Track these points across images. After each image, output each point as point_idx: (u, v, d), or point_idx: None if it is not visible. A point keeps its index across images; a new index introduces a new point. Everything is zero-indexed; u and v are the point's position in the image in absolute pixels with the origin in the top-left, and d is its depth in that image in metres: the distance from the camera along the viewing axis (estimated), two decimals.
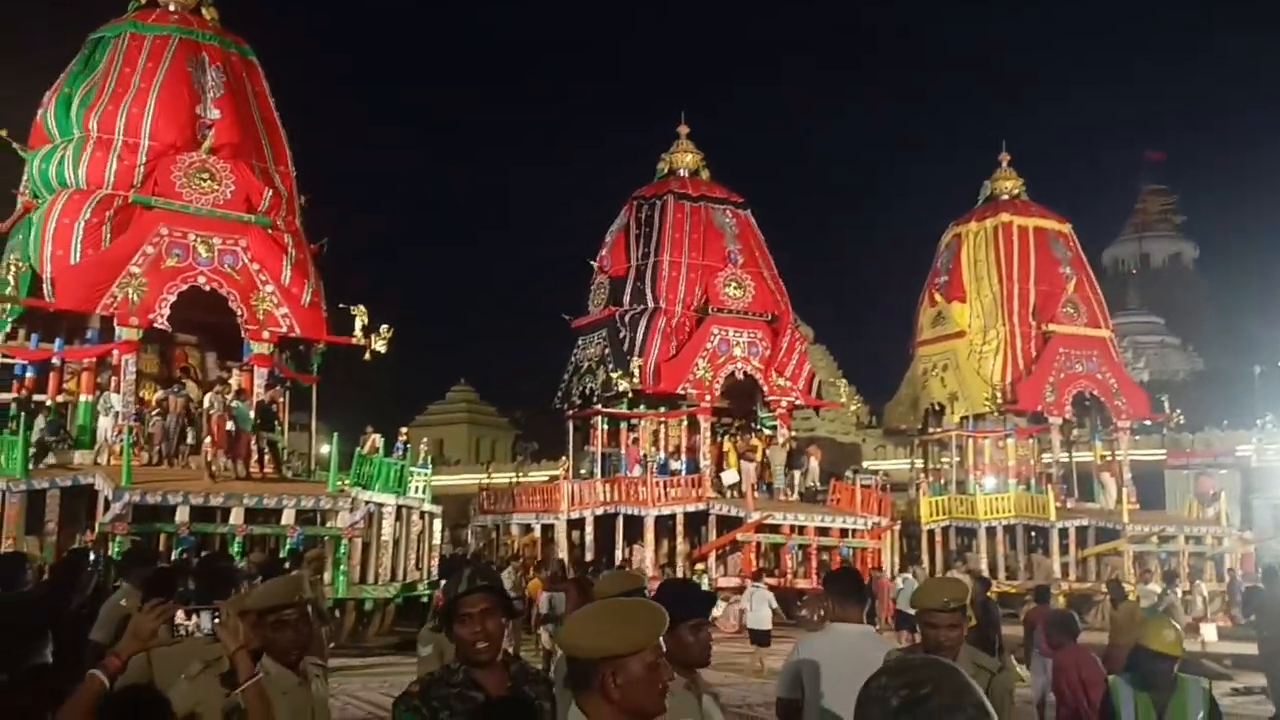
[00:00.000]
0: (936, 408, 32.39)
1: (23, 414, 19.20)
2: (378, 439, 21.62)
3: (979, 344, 30.98)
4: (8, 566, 6.46)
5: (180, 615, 2.96)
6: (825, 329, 53.41)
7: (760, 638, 16.36)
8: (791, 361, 29.05)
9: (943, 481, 31.60)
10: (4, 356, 20.31)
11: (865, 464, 43.96)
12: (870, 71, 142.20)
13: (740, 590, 22.84)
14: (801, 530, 25.52)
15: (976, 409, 30.70)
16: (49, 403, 20.10)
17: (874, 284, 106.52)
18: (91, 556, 10.79)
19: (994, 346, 30.70)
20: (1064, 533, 27.51)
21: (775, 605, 17.61)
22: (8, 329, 20.05)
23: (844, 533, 26.11)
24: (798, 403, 29.55)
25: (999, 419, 30.45)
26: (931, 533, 28.86)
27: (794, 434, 30.29)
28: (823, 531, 25.75)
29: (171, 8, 22.95)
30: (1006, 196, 32.95)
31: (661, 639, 2.45)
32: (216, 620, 3.00)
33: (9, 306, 19.39)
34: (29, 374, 20.21)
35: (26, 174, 21.51)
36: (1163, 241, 76.54)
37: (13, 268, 19.52)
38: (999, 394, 30.07)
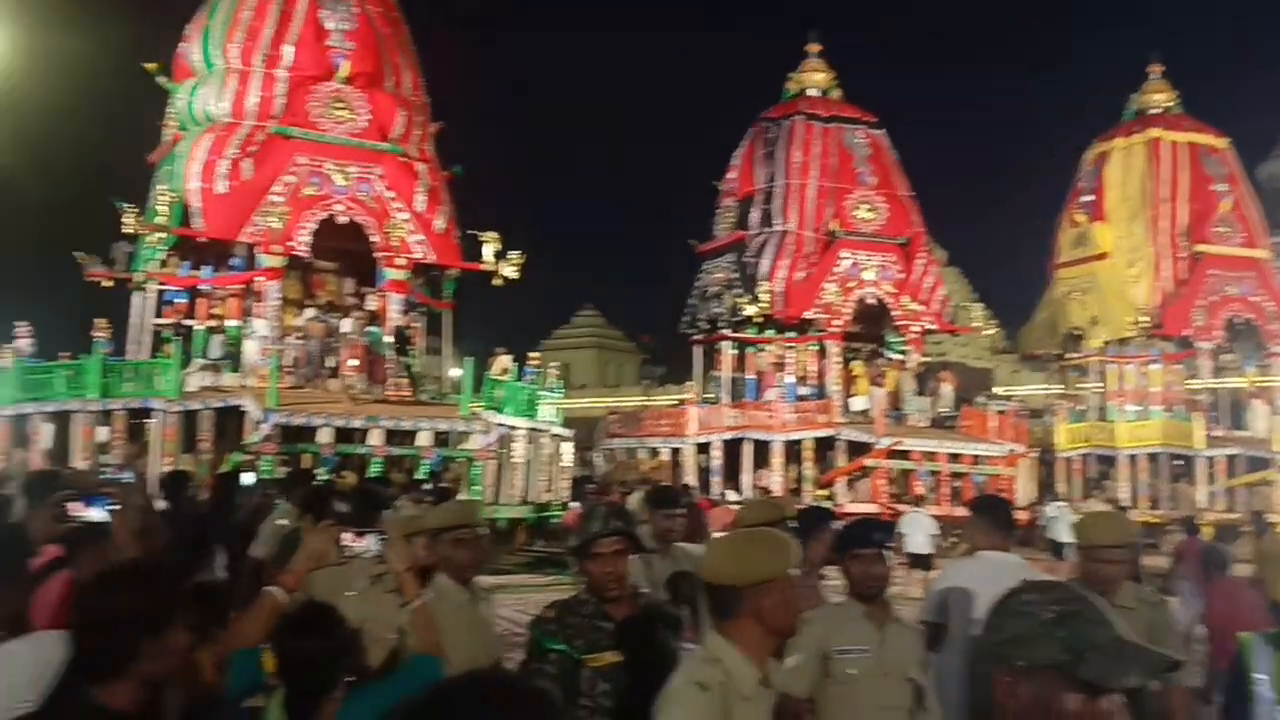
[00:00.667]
0: (1076, 332, 31.32)
1: (178, 338, 20.13)
2: (507, 361, 21.98)
3: (1123, 266, 29.73)
4: (173, 483, 6.79)
5: (348, 537, 3.02)
6: (960, 251, 52.04)
7: (920, 562, 16.35)
8: (925, 285, 28.36)
9: (1081, 408, 30.66)
10: (158, 284, 21.24)
11: (999, 390, 43.00)
12: None
13: (877, 517, 22.92)
14: (932, 457, 25.12)
15: (1119, 333, 29.58)
16: (199, 327, 21.03)
17: (1012, 204, 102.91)
18: (251, 477, 11.28)
19: (1140, 268, 29.43)
20: (1211, 461, 26.48)
21: (935, 531, 17.56)
22: (161, 257, 20.91)
23: (976, 459, 25.61)
24: (930, 327, 28.89)
25: (1144, 343, 29.28)
26: (1069, 460, 28.10)
27: (925, 359, 29.71)
28: (954, 458, 25.30)
29: None
30: (1157, 110, 31.27)
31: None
32: (383, 540, 3.08)
33: (162, 236, 20.18)
34: (181, 300, 21.15)
35: (172, 106, 22.24)
36: None
37: (164, 198, 20.29)
38: (1145, 318, 28.88)
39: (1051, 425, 29.18)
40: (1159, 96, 31.43)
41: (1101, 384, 30.41)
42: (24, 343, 19.93)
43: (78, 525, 3.42)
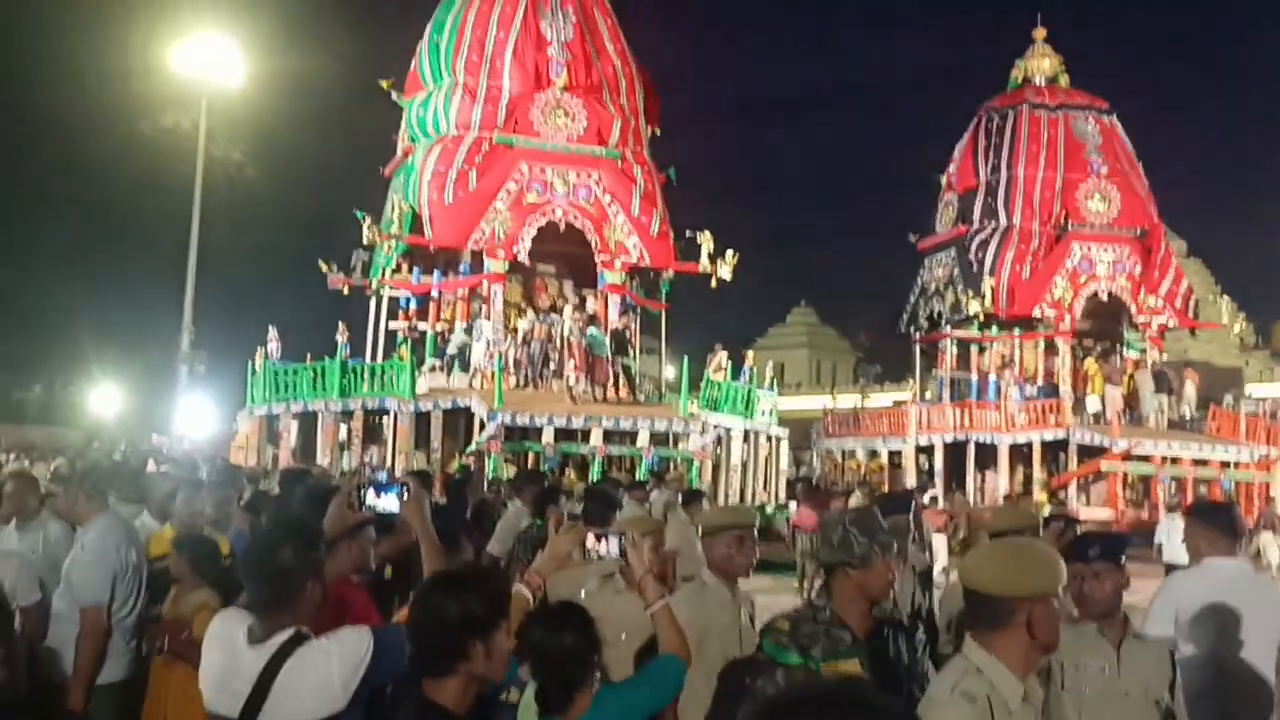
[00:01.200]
0: None
1: (411, 341, 21.21)
2: (724, 358, 22.02)
3: None
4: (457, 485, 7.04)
5: (590, 539, 3.06)
6: (1203, 242, 48.67)
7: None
8: (1165, 279, 26.67)
9: None
10: (391, 289, 22.42)
11: (1249, 389, 39.96)
12: None
13: (1107, 524, 21.72)
14: (1175, 461, 23.56)
15: None
16: (430, 330, 22.06)
17: (1258, 189, 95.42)
18: (486, 477, 11.67)
19: None
20: None
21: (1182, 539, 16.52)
22: (394, 264, 22.06)
23: (1225, 464, 23.85)
24: (1170, 324, 27.15)
25: None
26: None
27: (1165, 357, 27.92)
28: (1200, 462, 23.64)
29: None
30: None
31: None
32: (625, 541, 3.10)
33: (395, 243, 21.28)
34: (413, 305, 22.27)
35: (404, 120, 23.42)
36: None
37: (396, 208, 21.40)
38: None
39: None
40: None
41: None
42: (274, 346, 21.44)
43: (370, 514, 3.63)
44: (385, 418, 19.66)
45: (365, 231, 20.94)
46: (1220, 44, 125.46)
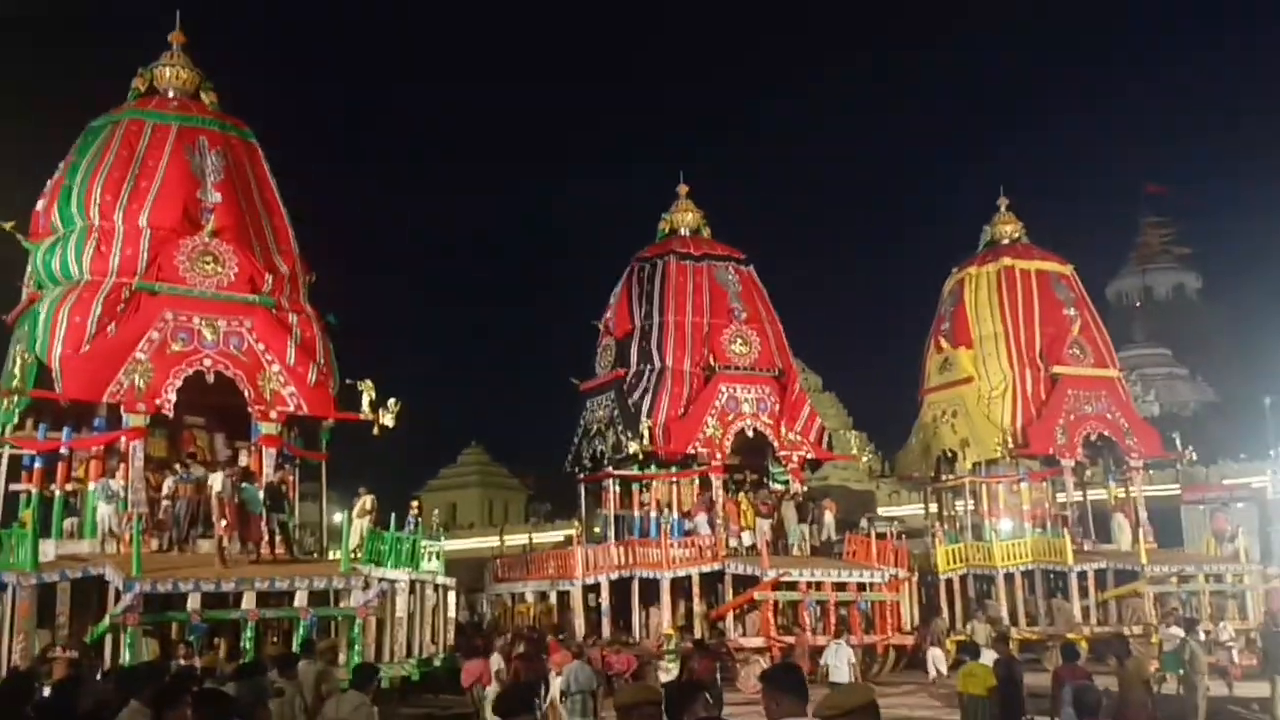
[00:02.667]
0: (949, 454, 32.23)
1: (33, 506, 19.22)
2: (370, 500, 21.47)
3: (987, 389, 30.89)
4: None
5: None
6: (835, 377, 53.33)
7: None
8: (800, 415, 28.97)
9: (958, 528, 31.35)
10: (12, 448, 20.36)
11: (880, 511, 43.73)
12: (864, 115, 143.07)
13: (761, 650, 22.88)
14: (818, 586, 25.26)
15: (988, 454, 30.54)
16: (60, 492, 20.13)
17: (882, 331, 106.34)
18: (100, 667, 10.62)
19: (1002, 391, 30.62)
20: (1083, 576, 27.20)
21: (854, 660, 18.69)
22: (15, 420, 20.11)
23: (861, 586, 25.83)
24: (809, 456, 29.41)
25: (1011, 464, 30.27)
26: (949, 581, 28.57)
27: (808, 486, 30.13)
28: (840, 586, 25.47)
29: (170, 94, 23.34)
30: (1007, 241, 33.06)
31: None
32: None
33: (17, 399, 19.44)
34: (37, 465, 20.24)
35: (30, 265, 21.71)
36: (1166, 273, 76.55)
37: (19, 359, 19.62)
38: (1010, 439, 29.93)
39: (931, 547, 29.71)
40: (1008, 228, 33.26)
41: (975, 504, 31.24)
42: None
43: None
44: (3, 594, 17.59)
45: None
46: (849, 194, 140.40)
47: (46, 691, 7.60)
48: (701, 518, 27.14)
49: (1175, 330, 67.26)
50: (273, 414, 20.93)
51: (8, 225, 21.35)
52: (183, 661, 14.03)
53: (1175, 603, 26.53)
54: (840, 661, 18.20)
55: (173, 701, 5.71)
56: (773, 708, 4.79)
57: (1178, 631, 18.53)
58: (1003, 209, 33.77)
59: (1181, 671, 15.20)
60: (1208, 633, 22.24)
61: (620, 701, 4.58)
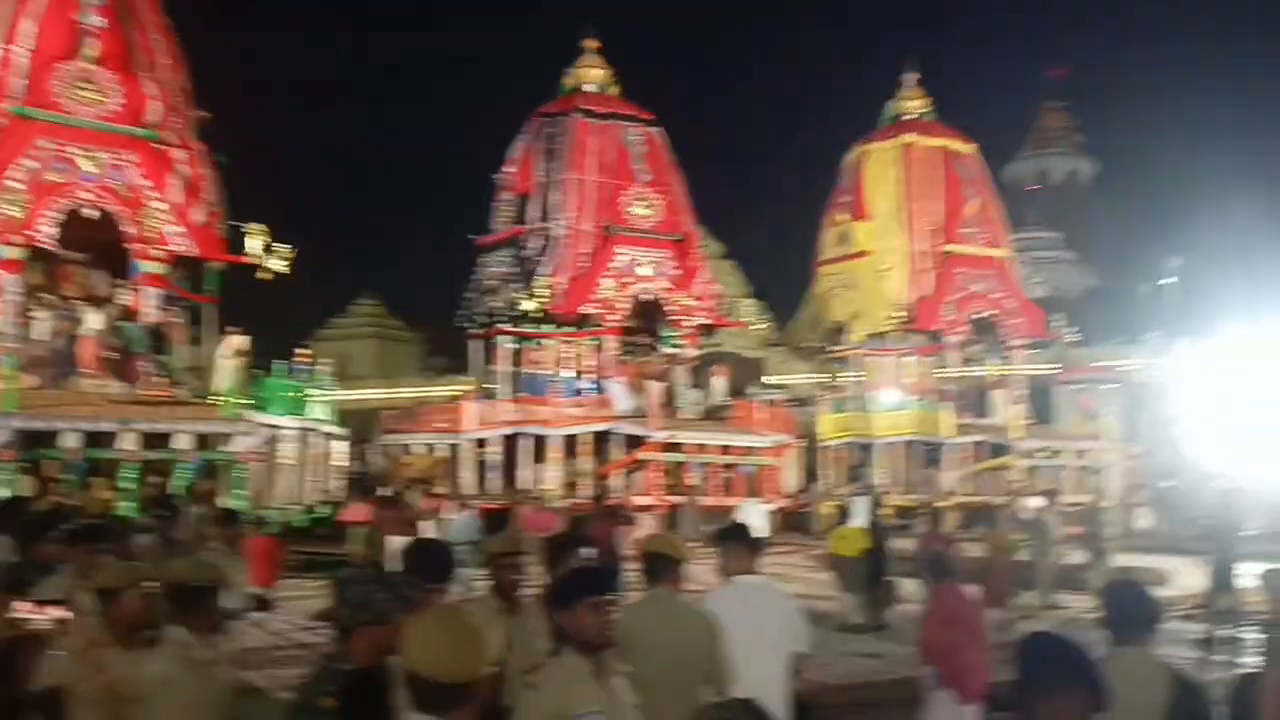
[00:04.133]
0: (839, 326, 32.88)
1: None
2: (240, 341, 21.02)
3: (880, 264, 31.39)
4: None
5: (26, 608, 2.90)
6: (738, 244, 53.41)
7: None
8: (698, 281, 29.15)
9: (845, 398, 32.25)
10: None
11: (771, 378, 44.62)
12: None
13: (650, 509, 23.53)
14: (704, 449, 25.89)
15: (878, 327, 31.22)
16: None
17: (787, 201, 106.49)
18: None
19: (895, 267, 31.17)
20: (958, 448, 28.39)
21: (764, 519, 18.70)
22: None
23: (746, 450, 26.56)
24: (705, 322, 29.72)
25: (899, 337, 31.03)
26: (832, 449, 29.54)
27: (701, 352, 30.53)
28: (725, 450, 26.16)
29: None
30: (912, 116, 33.13)
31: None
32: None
33: None
34: None
35: None
36: (1062, 159, 77.82)
37: None
38: (899, 313, 30.63)
39: (816, 415, 30.59)
40: (913, 104, 33.27)
41: (862, 375, 32.09)
42: None
43: None
44: None
45: None
46: (763, 60, 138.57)
47: None
48: (617, 385, 27.16)
49: (1067, 215, 68.85)
50: (155, 252, 20.24)
51: None
52: (58, 499, 13.84)
53: (1048, 477, 27.79)
54: (750, 517, 18.48)
55: (42, 535, 5.67)
56: (727, 563, 5.02)
57: (1037, 502, 19.55)
58: (909, 84, 33.69)
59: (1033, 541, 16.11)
60: (1071, 504, 23.44)
61: (488, 549, 4.68)
